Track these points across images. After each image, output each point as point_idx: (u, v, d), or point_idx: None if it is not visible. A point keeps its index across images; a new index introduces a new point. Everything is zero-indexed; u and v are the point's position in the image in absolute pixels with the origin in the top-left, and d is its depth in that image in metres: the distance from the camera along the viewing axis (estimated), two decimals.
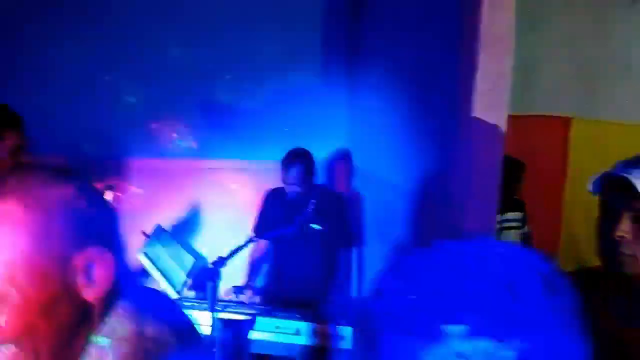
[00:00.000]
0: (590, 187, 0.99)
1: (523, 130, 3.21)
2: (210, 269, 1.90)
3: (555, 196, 3.29)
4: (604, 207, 0.96)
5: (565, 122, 3.27)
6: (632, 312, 0.97)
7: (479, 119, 1.58)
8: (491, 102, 1.58)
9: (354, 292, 2.94)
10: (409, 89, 2.15)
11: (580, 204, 3.31)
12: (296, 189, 2.33)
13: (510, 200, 3.04)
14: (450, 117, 1.73)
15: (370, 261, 2.70)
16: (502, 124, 1.62)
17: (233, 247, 1.96)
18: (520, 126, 3.19)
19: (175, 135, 3.12)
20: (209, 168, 3.06)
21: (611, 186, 0.96)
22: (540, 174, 3.27)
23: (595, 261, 3.65)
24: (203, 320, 1.89)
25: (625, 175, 0.93)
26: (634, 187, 0.91)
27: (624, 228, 0.92)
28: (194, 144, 3.18)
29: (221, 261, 1.91)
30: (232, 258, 1.93)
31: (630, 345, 0.94)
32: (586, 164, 3.28)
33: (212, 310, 1.89)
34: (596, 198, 3.50)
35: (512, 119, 3.14)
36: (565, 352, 0.43)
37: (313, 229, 2.44)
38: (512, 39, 1.58)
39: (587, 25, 3.22)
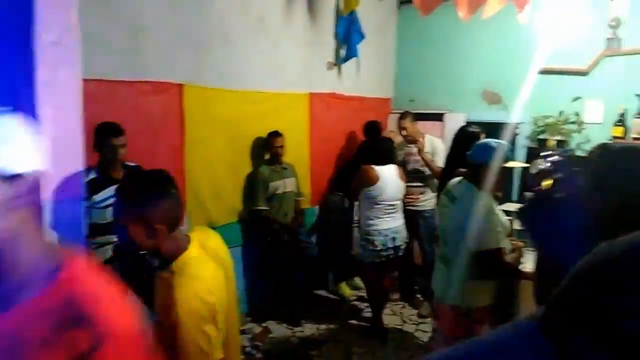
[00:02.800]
0: None
1: (138, 95, 3.18)
2: None
3: (178, 159, 3.43)
4: None
5: (179, 89, 3.41)
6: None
7: (46, 76, 1.40)
8: (59, 56, 1.43)
9: None
10: None
11: (198, 165, 3.57)
12: None
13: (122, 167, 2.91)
14: (18, 74, 1.48)
15: None
16: (77, 82, 1.49)
17: None
18: (134, 92, 3.16)
19: None
20: None
21: None
22: (161, 138, 3.33)
23: (219, 218, 3.92)
24: None
25: None
26: None
27: None
28: None
29: None
30: None
31: None
32: (199, 127, 3.54)
33: None
34: (208, 159, 3.72)
35: (124, 84, 3.10)
36: None
37: None
38: None
39: None
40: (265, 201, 3.95)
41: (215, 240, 1.65)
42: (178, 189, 1.48)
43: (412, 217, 4.20)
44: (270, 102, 4.11)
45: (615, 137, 3.99)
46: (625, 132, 4.02)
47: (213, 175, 3.75)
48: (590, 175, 1.03)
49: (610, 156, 1.07)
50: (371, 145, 4.05)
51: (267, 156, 4.07)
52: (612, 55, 4.09)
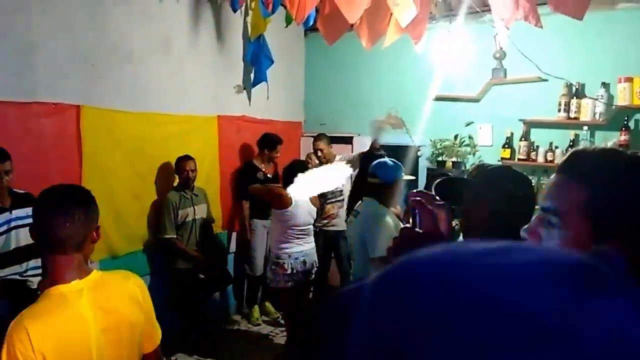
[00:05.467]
0: None
1: (29, 117, 2.97)
2: None
3: (75, 181, 3.23)
4: None
5: (76, 110, 3.22)
6: None
7: None
8: None
9: None
10: None
11: (98, 191, 3.37)
12: None
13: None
14: None
15: None
16: None
17: None
18: (25, 113, 2.94)
19: None
20: None
21: None
22: (56, 163, 3.12)
23: (121, 247, 3.71)
24: None
25: None
26: None
27: None
28: None
29: None
30: None
31: None
32: (98, 150, 3.36)
33: None
34: (109, 185, 3.55)
35: (12, 105, 2.87)
36: None
37: None
38: None
39: (83, 12, 3.24)
40: (173, 229, 3.80)
41: (124, 289, 1.39)
42: (74, 211, 1.33)
43: (333, 238, 4.26)
44: (176, 125, 4.00)
45: (503, 159, 4.36)
46: (512, 153, 4.41)
47: (114, 201, 3.56)
48: (470, 192, 1.13)
49: (486, 175, 1.19)
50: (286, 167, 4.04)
51: (176, 181, 3.93)
52: (498, 84, 4.49)
